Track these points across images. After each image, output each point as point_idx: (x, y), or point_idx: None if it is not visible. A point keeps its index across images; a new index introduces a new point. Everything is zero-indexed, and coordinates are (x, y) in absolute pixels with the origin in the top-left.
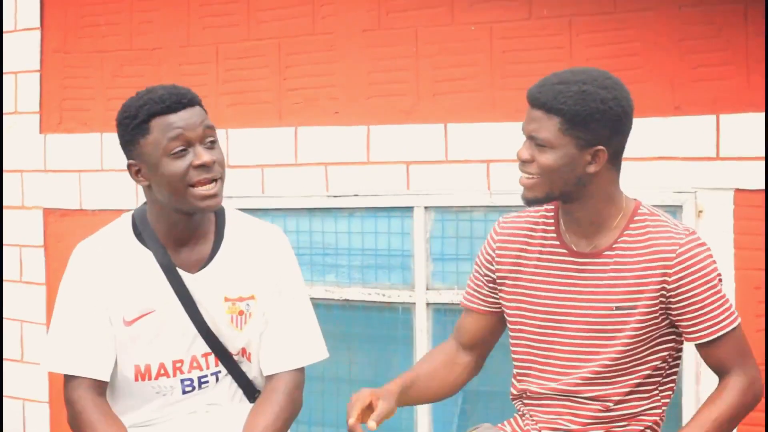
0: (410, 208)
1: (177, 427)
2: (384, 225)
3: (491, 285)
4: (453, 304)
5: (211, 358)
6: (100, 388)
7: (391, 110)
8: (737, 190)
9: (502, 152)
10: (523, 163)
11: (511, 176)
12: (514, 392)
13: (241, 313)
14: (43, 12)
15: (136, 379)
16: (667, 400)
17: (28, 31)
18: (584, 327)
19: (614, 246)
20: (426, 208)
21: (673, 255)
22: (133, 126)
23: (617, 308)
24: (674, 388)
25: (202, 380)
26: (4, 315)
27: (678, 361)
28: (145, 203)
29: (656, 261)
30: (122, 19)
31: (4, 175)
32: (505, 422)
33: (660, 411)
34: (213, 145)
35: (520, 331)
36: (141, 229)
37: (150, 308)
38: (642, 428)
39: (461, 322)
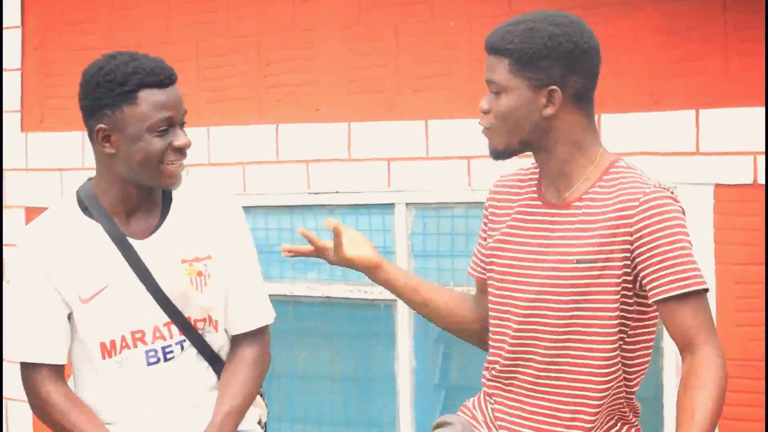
0: (391, 205)
1: (143, 427)
2: (365, 222)
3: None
4: None
5: (174, 327)
6: (59, 372)
7: (372, 107)
8: (717, 185)
9: (482, 148)
10: (483, 115)
11: (491, 172)
12: (485, 366)
13: (200, 274)
14: (24, 10)
15: (103, 357)
16: (632, 391)
17: (9, 29)
18: (543, 281)
19: (583, 197)
20: (407, 204)
21: (636, 204)
22: (119, 92)
23: (578, 261)
24: (641, 373)
25: (167, 350)
26: None
27: (643, 346)
28: (88, 179)
29: (620, 211)
30: (102, 16)
31: None
32: (474, 401)
33: (623, 395)
34: (183, 126)
35: (491, 286)
36: (87, 204)
37: (105, 283)
38: (609, 417)
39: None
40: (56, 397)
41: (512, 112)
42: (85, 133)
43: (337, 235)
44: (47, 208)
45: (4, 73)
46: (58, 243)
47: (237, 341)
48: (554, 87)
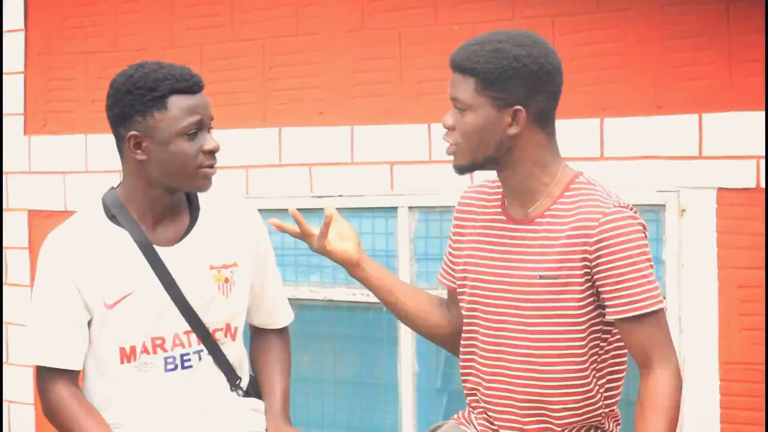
0: (394, 209)
1: (154, 430)
2: (368, 225)
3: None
4: None
5: (194, 336)
6: (74, 377)
7: (375, 110)
8: (720, 189)
9: None
10: (447, 132)
11: (494, 176)
12: (462, 379)
13: (226, 280)
14: (27, 13)
15: (122, 362)
16: (611, 401)
17: (12, 32)
18: (509, 296)
19: (545, 214)
20: (410, 208)
21: (596, 224)
22: (150, 98)
23: (540, 277)
24: (621, 381)
25: (185, 358)
26: None
27: (620, 353)
28: (112, 188)
29: (580, 229)
30: (106, 21)
31: None
32: (459, 414)
33: (600, 408)
34: (210, 130)
35: (463, 301)
36: (114, 211)
37: (130, 289)
38: (586, 430)
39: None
40: (68, 401)
41: (477, 130)
42: (88, 136)
43: (326, 224)
44: (49, 210)
45: (7, 76)
46: (84, 249)
47: (265, 334)
48: (519, 107)
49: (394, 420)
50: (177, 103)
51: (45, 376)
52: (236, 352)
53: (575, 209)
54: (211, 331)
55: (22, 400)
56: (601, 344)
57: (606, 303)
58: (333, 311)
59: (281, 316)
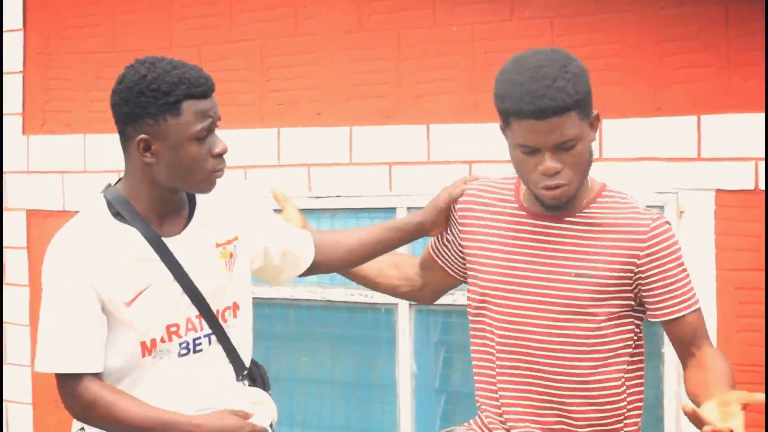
0: (393, 209)
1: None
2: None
3: (455, 246)
4: (435, 304)
5: (204, 321)
6: (99, 377)
7: (374, 111)
8: (718, 191)
9: (484, 153)
10: (553, 176)
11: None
12: (477, 393)
13: (231, 255)
14: (26, 13)
15: (143, 355)
16: (637, 395)
17: (10, 32)
18: (535, 291)
19: (578, 214)
20: (408, 208)
21: (647, 229)
22: (163, 102)
23: (576, 275)
24: (642, 384)
25: (196, 342)
26: None
27: (641, 357)
28: (109, 184)
29: (626, 234)
30: (105, 21)
31: None
32: (471, 421)
33: (622, 408)
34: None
35: (473, 292)
36: (119, 209)
37: (145, 284)
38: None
39: (424, 256)
40: (102, 392)
41: (587, 154)
42: (86, 136)
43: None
44: (48, 210)
45: (6, 75)
46: (96, 250)
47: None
48: (596, 110)
49: (392, 421)
50: (190, 107)
51: (71, 382)
52: (241, 336)
53: (614, 214)
54: (220, 312)
55: (20, 400)
56: (635, 344)
57: (655, 305)
58: (331, 312)
59: (304, 236)
